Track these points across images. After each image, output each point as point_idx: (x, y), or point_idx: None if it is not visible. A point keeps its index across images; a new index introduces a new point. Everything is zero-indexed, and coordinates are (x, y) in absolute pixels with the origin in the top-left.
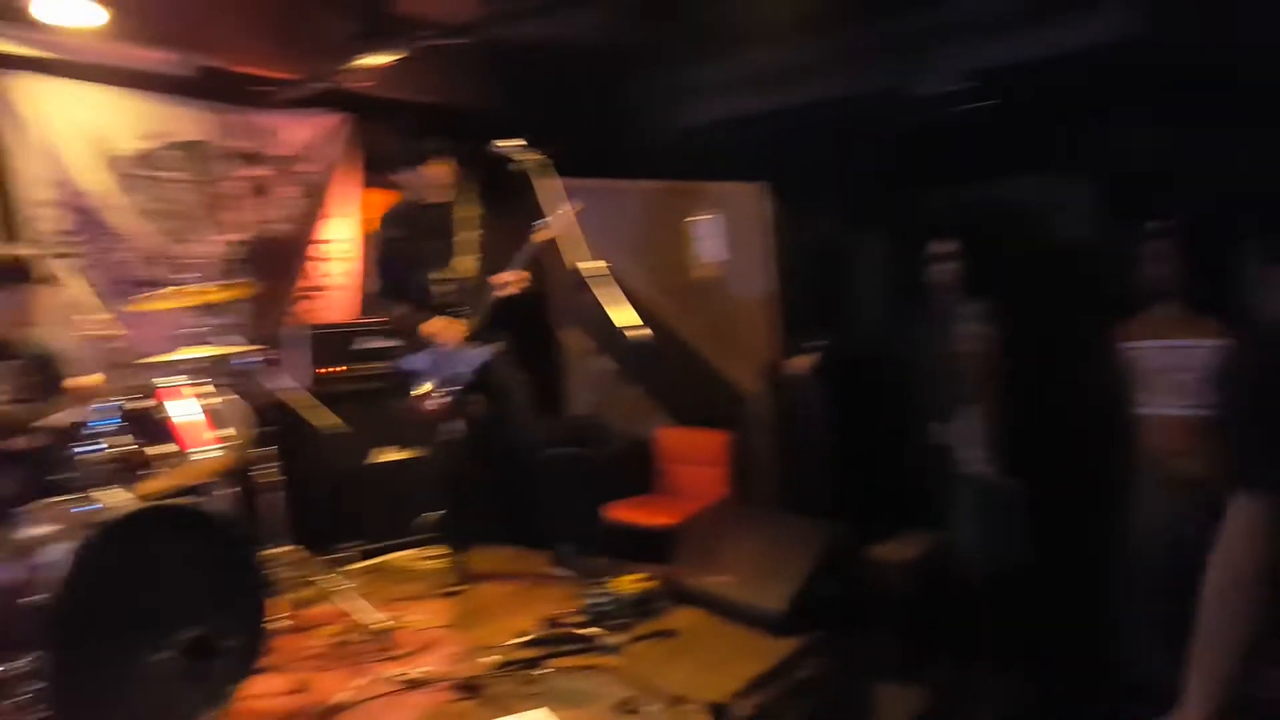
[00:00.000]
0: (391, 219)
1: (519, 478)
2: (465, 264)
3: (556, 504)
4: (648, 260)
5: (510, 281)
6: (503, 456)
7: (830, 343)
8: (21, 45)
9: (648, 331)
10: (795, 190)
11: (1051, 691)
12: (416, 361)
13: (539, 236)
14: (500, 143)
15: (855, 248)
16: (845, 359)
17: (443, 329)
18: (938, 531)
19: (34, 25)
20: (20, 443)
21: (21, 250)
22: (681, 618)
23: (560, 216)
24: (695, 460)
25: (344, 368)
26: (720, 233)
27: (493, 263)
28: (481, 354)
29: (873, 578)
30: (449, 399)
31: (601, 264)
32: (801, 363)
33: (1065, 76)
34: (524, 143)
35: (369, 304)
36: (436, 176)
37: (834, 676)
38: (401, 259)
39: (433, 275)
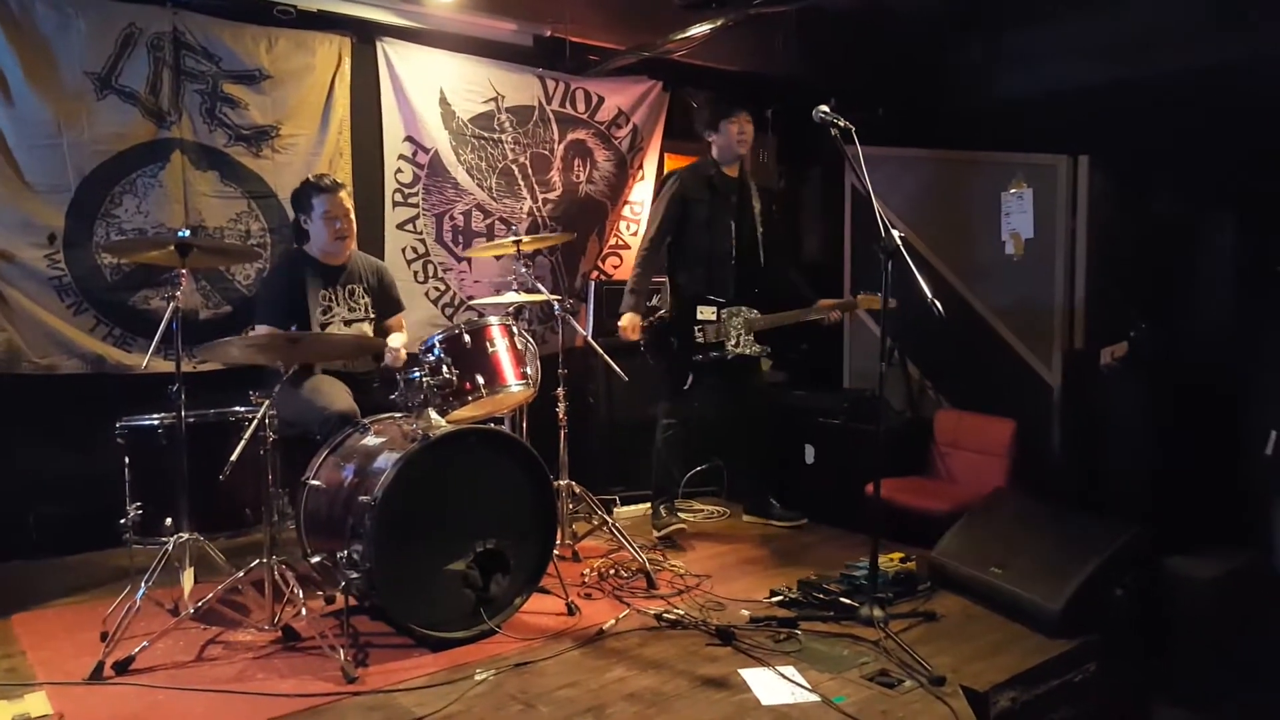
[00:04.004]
0: (695, 182)
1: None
2: (754, 249)
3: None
4: (947, 233)
5: (832, 313)
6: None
7: (1151, 332)
8: (392, 15)
9: (939, 307)
10: (1131, 166)
11: None
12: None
13: (865, 303)
14: (822, 108)
15: (1196, 230)
16: (1167, 351)
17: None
18: (1253, 552)
19: None
20: (371, 364)
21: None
22: (945, 603)
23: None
24: (974, 447)
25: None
26: (1029, 208)
27: (779, 256)
28: (755, 351)
29: (1169, 590)
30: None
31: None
32: (1114, 352)
33: None
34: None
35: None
36: (741, 134)
37: (1110, 686)
38: (698, 223)
39: (722, 250)
